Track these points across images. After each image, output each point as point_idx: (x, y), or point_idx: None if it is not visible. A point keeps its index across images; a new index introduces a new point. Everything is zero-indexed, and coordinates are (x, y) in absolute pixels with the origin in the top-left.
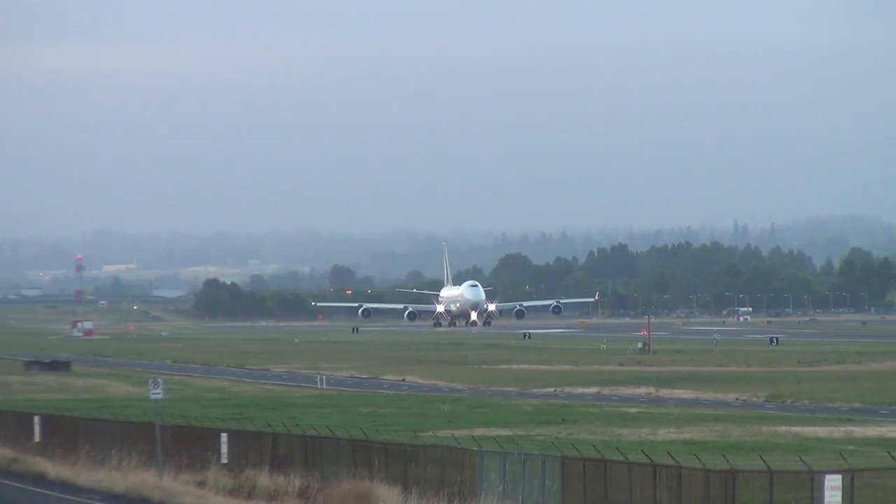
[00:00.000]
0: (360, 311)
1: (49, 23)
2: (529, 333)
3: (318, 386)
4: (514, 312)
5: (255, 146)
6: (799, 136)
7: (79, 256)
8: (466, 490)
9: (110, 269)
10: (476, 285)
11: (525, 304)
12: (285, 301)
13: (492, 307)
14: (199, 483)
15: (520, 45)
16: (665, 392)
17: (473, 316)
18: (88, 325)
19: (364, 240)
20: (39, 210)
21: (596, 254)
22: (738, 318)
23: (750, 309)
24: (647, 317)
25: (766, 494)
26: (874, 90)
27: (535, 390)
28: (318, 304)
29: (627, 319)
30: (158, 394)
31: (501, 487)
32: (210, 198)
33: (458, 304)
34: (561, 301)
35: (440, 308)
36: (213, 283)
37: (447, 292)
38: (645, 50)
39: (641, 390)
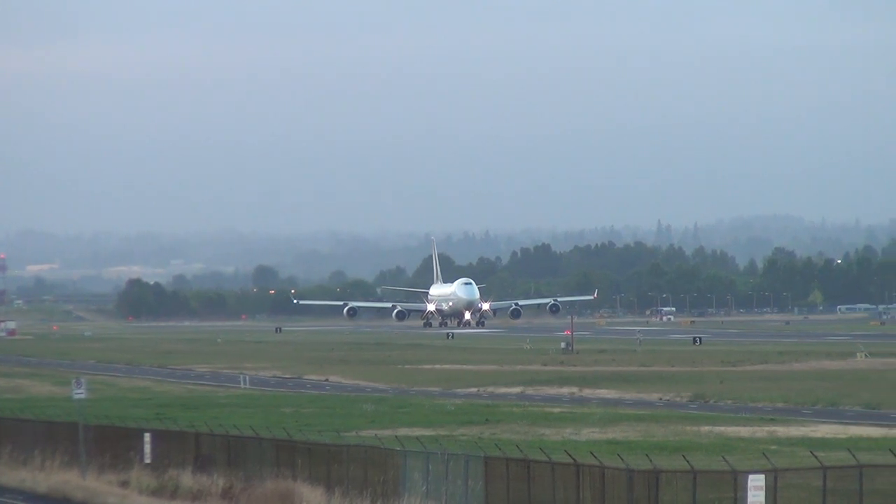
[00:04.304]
0: (345, 309)
1: None
2: (452, 333)
3: (242, 385)
4: (508, 312)
5: (178, 145)
6: (721, 137)
7: (1, 256)
8: (390, 490)
9: (33, 268)
10: (470, 283)
11: (521, 302)
12: (209, 301)
13: (486, 306)
14: (122, 483)
15: (444, 46)
16: (588, 392)
17: (467, 315)
18: (12, 325)
19: (287, 240)
20: None
21: (519, 254)
22: (661, 318)
23: (673, 309)
24: (570, 316)
25: (689, 494)
26: (805, 93)
27: (459, 390)
28: (301, 301)
29: (551, 319)
30: (81, 394)
31: (424, 487)
32: (134, 197)
33: (450, 304)
34: (558, 299)
35: (431, 307)
36: (136, 283)
37: (438, 290)
38: (566, 51)
39: (565, 390)
